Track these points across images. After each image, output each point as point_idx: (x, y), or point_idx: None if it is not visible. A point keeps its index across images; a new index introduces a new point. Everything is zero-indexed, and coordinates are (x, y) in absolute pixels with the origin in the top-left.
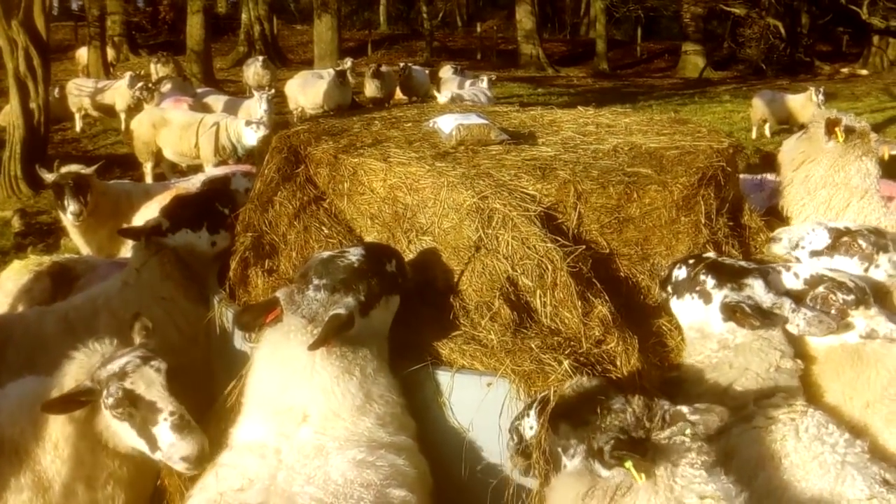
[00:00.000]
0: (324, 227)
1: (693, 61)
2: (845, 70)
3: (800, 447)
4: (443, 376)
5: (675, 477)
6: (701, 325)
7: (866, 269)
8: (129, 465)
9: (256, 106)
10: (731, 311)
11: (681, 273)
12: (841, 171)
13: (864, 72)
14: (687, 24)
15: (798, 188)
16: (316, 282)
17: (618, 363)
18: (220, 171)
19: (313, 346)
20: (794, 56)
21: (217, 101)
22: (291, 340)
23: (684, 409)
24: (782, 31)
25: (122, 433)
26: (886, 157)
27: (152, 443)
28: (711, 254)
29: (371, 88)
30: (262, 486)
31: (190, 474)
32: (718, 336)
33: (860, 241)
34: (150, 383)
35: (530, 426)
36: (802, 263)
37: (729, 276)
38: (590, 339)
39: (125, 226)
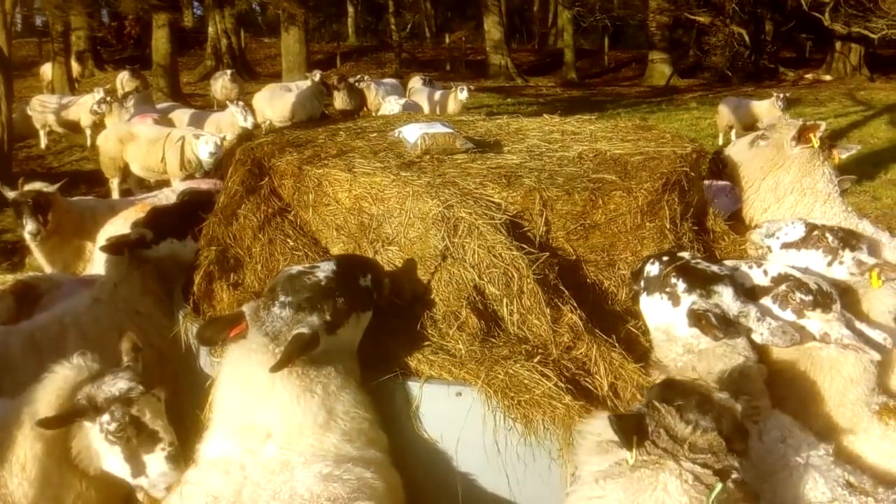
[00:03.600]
0: (289, 240)
1: (660, 69)
2: (809, 76)
3: (761, 450)
4: (412, 387)
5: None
6: (667, 328)
7: (830, 264)
8: (96, 487)
9: (240, 118)
10: (697, 319)
11: (653, 269)
12: (808, 176)
13: (828, 77)
14: (653, 33)
15: (766, 195)
16: (282, 298)
17: (592, 369)
18: (186, 185)
19: (275, 368)
20: (759, 63)
21: (183, 115)
22: (252, 359)
23: (739, 476)
24: (746, 38)
25: (104, 456)
26: (837, 160)
27: (138, 468)
28: (686, 254)
29: (341, 100)
30: None
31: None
32: (683, 340)
33: (828, 235)
34: (156, 413)
35: None
36: (772, 254)
37: (699, 281)
38: (560, 346)
39: (105, 242)
